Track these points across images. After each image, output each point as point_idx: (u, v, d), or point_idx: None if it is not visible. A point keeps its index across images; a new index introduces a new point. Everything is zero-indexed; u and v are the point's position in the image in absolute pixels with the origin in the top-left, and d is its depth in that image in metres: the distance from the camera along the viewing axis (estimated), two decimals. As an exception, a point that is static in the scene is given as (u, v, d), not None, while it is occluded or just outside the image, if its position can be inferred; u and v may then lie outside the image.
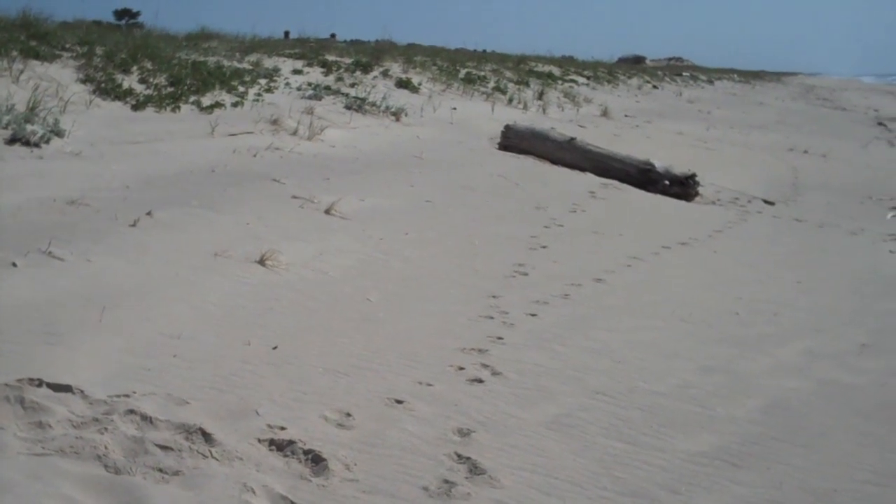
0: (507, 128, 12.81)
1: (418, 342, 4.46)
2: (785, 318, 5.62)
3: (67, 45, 11.44)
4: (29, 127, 7.93)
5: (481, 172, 10.21)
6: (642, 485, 3.18)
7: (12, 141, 7.76)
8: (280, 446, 3.15)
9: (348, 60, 17.40)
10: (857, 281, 6.97)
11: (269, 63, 15.00)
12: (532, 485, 3.09)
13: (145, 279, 4.83)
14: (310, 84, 14.17)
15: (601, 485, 3.15)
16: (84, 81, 10.44)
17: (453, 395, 3.80)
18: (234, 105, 11.66)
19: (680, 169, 11.11)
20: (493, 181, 9.81)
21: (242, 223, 6.30)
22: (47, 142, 8.01)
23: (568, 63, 29.55)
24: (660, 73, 37.79)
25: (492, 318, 5.03)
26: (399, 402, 3.67)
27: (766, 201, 11.07)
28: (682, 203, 10.51)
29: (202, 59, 13.46)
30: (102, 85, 10.46)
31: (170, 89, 11.30)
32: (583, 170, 11.43)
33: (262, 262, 5.41)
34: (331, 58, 17.19)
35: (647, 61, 51.73)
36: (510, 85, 20.32)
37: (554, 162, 11.77)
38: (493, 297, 5.47)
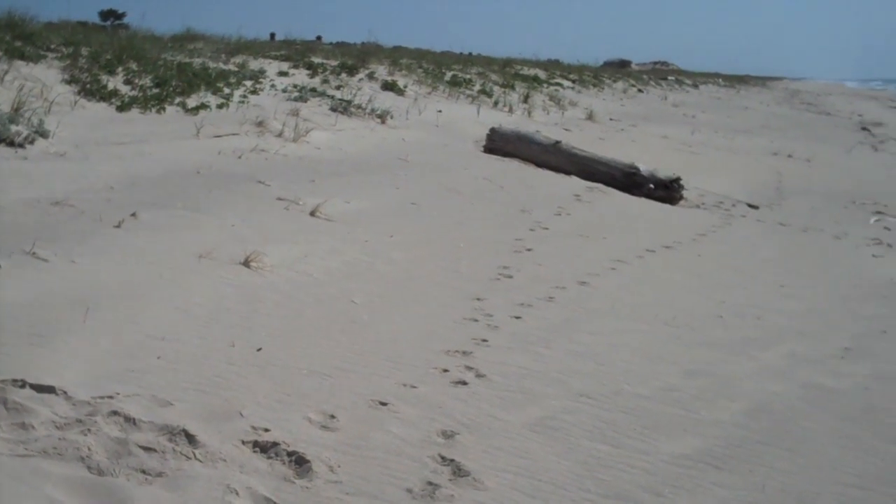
0: (493, 131, 12.83)
1: (403, 344, 4.47)
2: (768, 322, 5.65)
3: (52, 46, 11.41)
4: (13, 127, 7.90)
5: (466, 175, 10.22)
6: (626, 487, 3.20)
7: (-4, 141, 7.73)
8: (264, 448, 3.15)
9: (334, 63, 17.41)
10: (840, 285, 7.02)
11: (254, 65, 14.99)
12: (516, 487, 3.10)
13: (130, 280, 4.81)
14: (295, 86, 14.15)
15: (585, 487, 3.16)
16: (69, 82, 10.42)
17: (437, 398, 3.81)
18: (220, 107, 11.63)
19: (665, 173, 11.15)
20: (478, 184, 9.82)
21: (227, 225, 6.29)
22: (32, 142, 7.97)
23: (553, 66, 29.61)
24: (645, 77, 37.94)
25: (476, 320, 5.04)
26: (383, 403, 3.67)
27: (750, 205, 11.12)
28: (667, 207, 10.54)
29: (188, 60, 13.44)
30: (87, 86, 10.44)
31: (155, 90, 11.28)
32: (568, 173, 11.46)
33: (246, 263, 5.39)
34: (316, 60, 17.20)
35: (633, 65, 51.91)
36: (496, 88, 20.35)
37: (539, 165, 11.81)
38: (478, 299, 5.48)
